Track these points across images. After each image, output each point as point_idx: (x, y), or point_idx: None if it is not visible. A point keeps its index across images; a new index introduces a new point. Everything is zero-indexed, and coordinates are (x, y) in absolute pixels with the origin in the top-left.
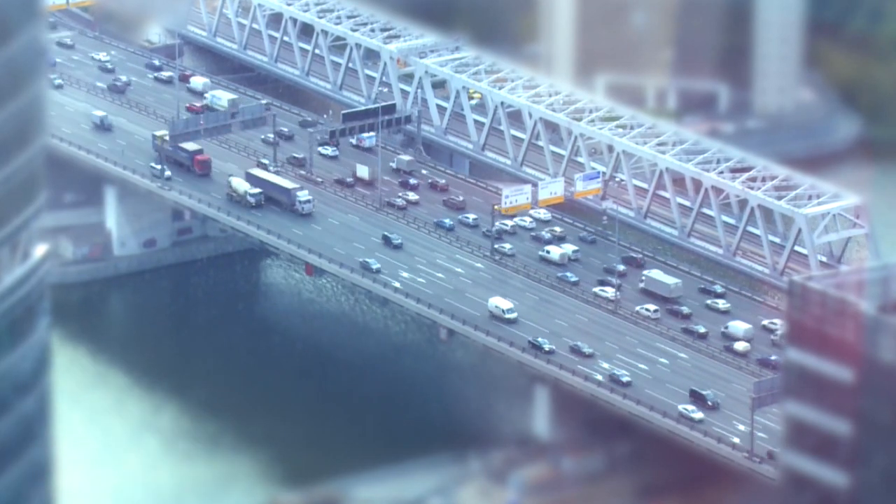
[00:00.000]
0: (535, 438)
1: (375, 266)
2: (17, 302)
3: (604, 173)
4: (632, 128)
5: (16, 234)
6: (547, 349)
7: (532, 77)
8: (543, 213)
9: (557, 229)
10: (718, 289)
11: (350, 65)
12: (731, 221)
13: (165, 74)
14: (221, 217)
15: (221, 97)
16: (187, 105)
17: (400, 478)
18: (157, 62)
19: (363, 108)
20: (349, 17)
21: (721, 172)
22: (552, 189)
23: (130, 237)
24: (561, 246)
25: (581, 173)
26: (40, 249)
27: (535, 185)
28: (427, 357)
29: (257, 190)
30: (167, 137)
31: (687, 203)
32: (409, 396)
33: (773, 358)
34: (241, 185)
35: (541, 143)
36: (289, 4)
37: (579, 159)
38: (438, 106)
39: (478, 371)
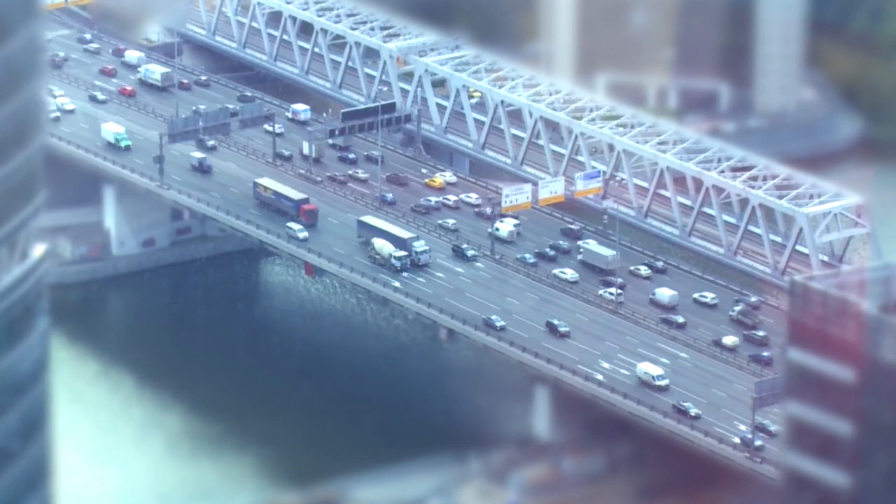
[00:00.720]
0: (535, 439)
1: (500, 324)
2: (15, 302)
3: (604, 172)
4: (632, 127)
5: (14, 233)
6: (693, 414)
7: (532, 76)
8: None
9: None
10: (660, 264)
11: (350, 63)
12: (732, 221)
13: (93, 46)
14: (220, 216)
15: (154, 70)
16: (101, 68)
17: (400, 478)
18: (88, 36)
19: (363, 106)
20: (348, 16)
21: (722, 171)
22: (552, 188)
23: (129, 236)
24: (504, 221)
25: (581, 172)
26: (39, 249)
27: (535, 184)
28: (427, 357)
29: (403, 253)
30: (268, 186)
31: (688, 202)
32: (409, 396)
33: (765, 355)
34: (385, 247)
35: (541, 142)
36: (288, 3)
37: (580, 158)
38: (438, 105)
39: (478, 371)
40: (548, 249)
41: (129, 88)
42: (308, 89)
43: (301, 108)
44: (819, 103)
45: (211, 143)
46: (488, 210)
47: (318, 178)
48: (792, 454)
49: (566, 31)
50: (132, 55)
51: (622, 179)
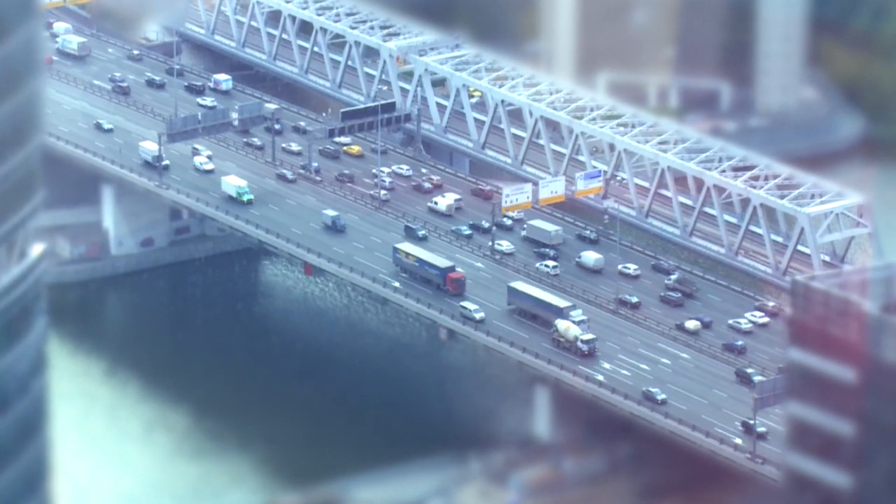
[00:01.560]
0: (535, 439)
1: (661, 397)
2: (13, 302)
3: (605, 172)
4: (633, 126)
5: (12, 233)
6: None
7: (533, 75)
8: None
9: (435, 178)
10: (592, 235)
11: (349, 63)
12: (734, 220)
13: None
14: (219, 216)
15: (72, 40)
16: None
17: (400, 479)
18: None
19: (362, 106)
20: (348, 15)
21: (723, 171)
22: (553, 188)
23: (128, 236)
24: (444, 195)
25: (582, 172)
26: (37, 248)
27: (535, 183)
28: (427, 357)
29: (591, 336)
30: (410, 252)
31: (689, 202)
32: (409, 397)
33: (739, 343)
34: (570, 329)
35: (541, 142)
36: (287, 2)
37: (580, 158)
38: (438, 104)
39: (478, 371)
40: (484, 223)
41: (46, 56)
42: (307, 88)
43: (223, 78)
44: (820, 102)
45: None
46: (426, 184)
47: (318, 178)
48: (793, 455)
49: (567, 30)
50: (60, 26)
51: (623, 179)
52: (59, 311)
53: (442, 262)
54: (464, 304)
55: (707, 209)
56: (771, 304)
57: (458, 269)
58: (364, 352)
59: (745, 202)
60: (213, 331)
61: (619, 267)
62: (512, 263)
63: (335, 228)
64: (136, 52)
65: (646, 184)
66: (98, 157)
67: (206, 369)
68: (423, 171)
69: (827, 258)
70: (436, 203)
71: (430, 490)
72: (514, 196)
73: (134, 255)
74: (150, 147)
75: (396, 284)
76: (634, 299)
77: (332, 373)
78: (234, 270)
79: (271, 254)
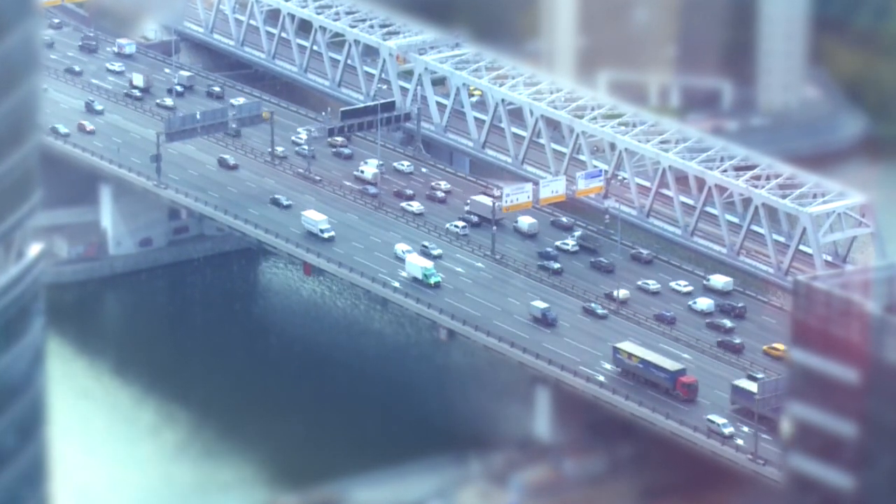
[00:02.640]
0: (535, 440)
1: None
2: (11, 302)
3: (606, 171)
4: (634, 125)
5: (10, 232)
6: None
7: (533, 74)
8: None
9: (339, 139)
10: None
11: (349, 61)
12: (735, 220)
13: None
14: (218, 216)
15: None
16: None
17: (399, 480)
18: None
19: (362, 105)
20: (348, 14)
21: (725, 170)
22: (554, 187)
23: (126, 236)
24: (367, 163)
25: (583, 171)
26: (35, 248)
27: (536, 183)
28: (427, 357)
29: None
30: (634, 353)
31: (690, 202)
32: (408, 397)
33: (669, 314)
34: None
35: (542, 141)
36: (286, 0)
37: (581, 157)
38: (438, 103)
39: (478, 371)
40: (408, 191)
41: None
42: (307, 87)
43: (126, 42)
44: (823, 101)
45: None
46: (346, 150)
47: (317, 178)
48: (795, 455)
49: (567, 28)
50: None
51: (624, 178)
52: (57, 311)
53: (672, 365)
54: (711, 417)
55: (708, 209)
56: (645, 252)
57: (689, 373)
58: (364, 352)
59: (747, 202)
60: (211, 331)
61: (558, 243)
62: (423, 225)
63: (545, 321)
64: (56, 20)
65: (647, 183)
66: (97, 157)
67: (205, 370)
68: (424, 170)
69: (829, 258)
70: (362, 172)
71: (430, 491)
72: (514, 196)
73: (132, 255)
74: (314, 217)
75: (396, 284)
76: (556, 265)
77: (331, 373)
78: (233, 270)
79: (270, 254)
